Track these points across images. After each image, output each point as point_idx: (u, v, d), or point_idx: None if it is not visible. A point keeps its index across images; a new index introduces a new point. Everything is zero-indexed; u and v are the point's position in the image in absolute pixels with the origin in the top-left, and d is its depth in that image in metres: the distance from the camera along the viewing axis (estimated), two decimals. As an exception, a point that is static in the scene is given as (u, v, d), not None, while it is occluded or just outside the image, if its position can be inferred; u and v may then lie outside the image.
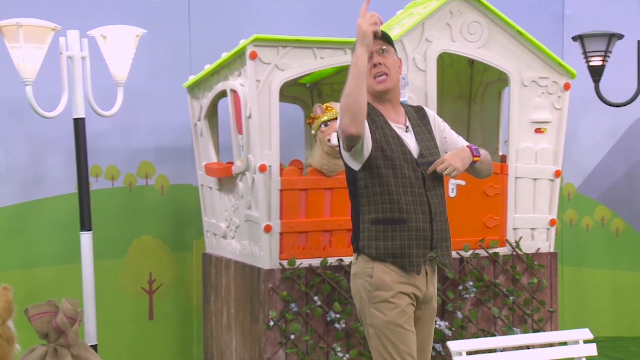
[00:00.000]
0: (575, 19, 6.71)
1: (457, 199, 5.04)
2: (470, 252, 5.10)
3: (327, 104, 4.82)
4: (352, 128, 3.52)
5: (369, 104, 3.70)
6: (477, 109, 5.84)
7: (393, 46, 3.75)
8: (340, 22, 6.27)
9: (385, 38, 3.71)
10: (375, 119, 3.72)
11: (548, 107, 5.24)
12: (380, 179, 3.65)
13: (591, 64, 5.76)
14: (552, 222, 5.28)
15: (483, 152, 3.83)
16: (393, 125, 3.73)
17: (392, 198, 3.63)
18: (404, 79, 4.81)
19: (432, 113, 3.93)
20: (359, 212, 3.73)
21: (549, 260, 5.27)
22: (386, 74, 3.69)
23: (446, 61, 5.72)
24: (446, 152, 3.84)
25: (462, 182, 4.96)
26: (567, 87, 5.30)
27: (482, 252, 5.13)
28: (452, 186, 5.02)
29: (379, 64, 3.67)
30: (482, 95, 5.76)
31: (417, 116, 3.84)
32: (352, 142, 3.59)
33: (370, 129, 3.67)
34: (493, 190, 5.14)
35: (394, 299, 3.65)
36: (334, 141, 4.68)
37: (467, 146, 3.78)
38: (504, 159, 5.44)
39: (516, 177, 5.17)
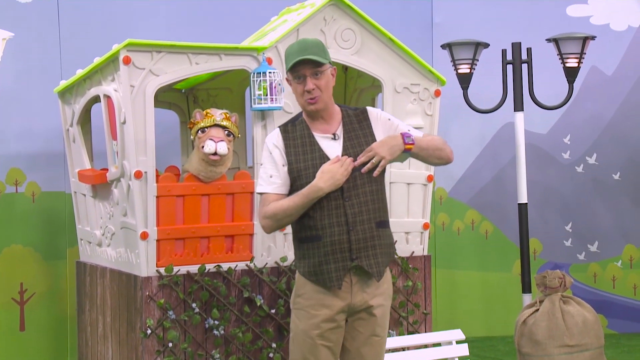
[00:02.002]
0: (444, 27, 6.88)
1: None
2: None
3: (207, 110, 4.79)
4: (269, 232, 3.64)
5: (300, 117, 3.67)
6: (352, 115, 5.89)
7: (327, 58, 3.63)
8: (216, 27, 6.27)
9: (318, 54, 3.58)
10: (298, 137, 3.64)
11: (420, 113, 5.35)
12: None
13: (459, 71, 5.91)
14: (425, 226, 5.39)
15: (425, 139, 3.65)
16: (318, 136, 3.64)
17: (310, 215, 3.59)
18: (279, 85, 4.83)
19: (376, 113, 3.77)
20: (292, 231, 3.72)
21: (422, 263, 5.38)
22: (317, 96, 3.60)
23: (321, 68, 5.76)
24: None
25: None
26: (437, 93, 5.42)
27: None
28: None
29: (312, 89, 3.59)
30: (357, 101, 5.83)
31: (356, 120, 3.71)
32: None
33: (287, 152, 3.62)
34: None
35: (311, 309, 3.62)
36: (208, 149, 4.64)
37: (401, 133, 3.62)
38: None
39: (390, 182, 5.25)
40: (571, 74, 5.89)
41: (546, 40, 5.95)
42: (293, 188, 3.60)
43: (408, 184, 5.33)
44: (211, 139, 4.67)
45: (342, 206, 3.59)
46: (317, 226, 3.59)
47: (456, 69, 5.92)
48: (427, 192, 5.39)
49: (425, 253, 5.42)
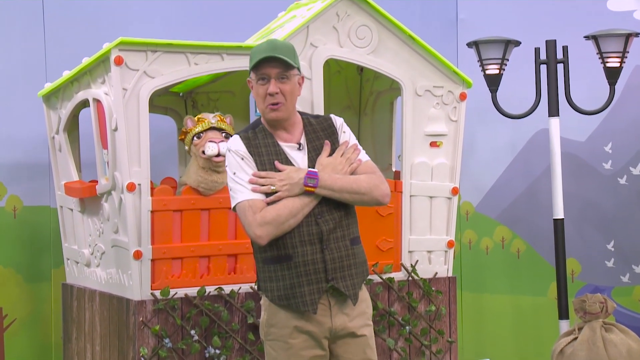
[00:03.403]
0: (470, 24, 6.90)
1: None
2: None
3: (199, 116, 4.85)
4: (266, 241, 3.58)
5: (260, 124, 3.73)
6: (368, 121, 5.94)
7: (297, 63, 3.70)
8: (218, 24, 6.30)
9: (288, 56, 3.65)
10: (262, 145, 3.70)
11: (444, 119, 5.38)
12: None
13: (487, 72, 5.93)
14: (450, 244, 5.41)
15: (340, 181, 3.63)
16: (283, 145, 3.72)
17: None
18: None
19: (340, 122, 3.85)
20: (255, 251, 3.75)
21: (447, 286, 5.39)
22: (280, 103, 3.66)
23: (333, 68, 5.81)
24: None
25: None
26: (463, 97, 5.45)
27: (376, 278, 5.21)
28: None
29: (275, 93, 3.64)
30: (373, 105, 5.86)
31: (319, 128, 3.79)
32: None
33: (255, 160, 3.68)
34: (386, 210, 5.23)
35: (288, 338, 3.65)
36: (210, 151, 4.70)
37: (307, 170, 3.64)
38: (397, 175, 5.55)
39: (411, 195, 5.28)
40: (612, 74, 5.92)
41: (584, 37, 5.98)
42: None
43: (430, 197, 5.35)
44: (211, 141, 4.72)
45: (314, 222, 3.62)
46: (287, 244, 3.61)
47: (484, 70, 5.95)
48: (452, 206, 5.41)
49: (450, 274, 5.44)
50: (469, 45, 6.01)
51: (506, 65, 5.95)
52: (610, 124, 6.90)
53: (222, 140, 4.74)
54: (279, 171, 3.65)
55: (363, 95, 5.94)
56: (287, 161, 3.69)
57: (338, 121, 3.84)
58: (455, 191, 5.41)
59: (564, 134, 6.19)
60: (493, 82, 5.96)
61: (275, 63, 3.64)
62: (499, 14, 6.87)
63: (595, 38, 5.90)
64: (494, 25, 6.59)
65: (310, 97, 5.04)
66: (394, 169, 5.77)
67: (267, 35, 5.38)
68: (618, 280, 6.94)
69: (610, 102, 6.00)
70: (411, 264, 5.32)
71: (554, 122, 5.92)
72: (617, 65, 5.89)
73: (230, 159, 3.70)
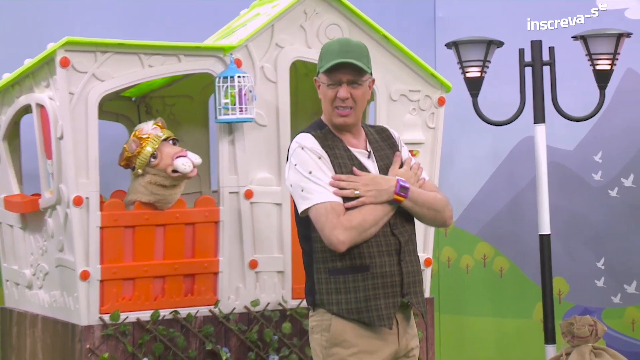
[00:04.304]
0: (449, 23, 6.92)
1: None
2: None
3: (138, 134, 4.80)
4: (346, 247, 3.59)
5: (325, 126, 3.76)
6: (338, 128, 5.92)
7: (370, 66, 3.75)
8: (174, 22, 6.27)
9: (362, 61, 3.70)
10: (334, 147, 3.74)
11: (420, 126, 5.38)
12: None
13: (468, 75, 5.94)
14: (427, 263, 5.41)
15: (423, 195, 3.77)
16: (354, 151, 3.76)
17: None
18: (250, 91, 4.85)
19: (397, 135, 3.96)
20: (313, 260, 3.73)
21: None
22: (351, 108, 3.72)
23: (301, 71, 5.80)
24: None
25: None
26: (441, 102, 5.46)
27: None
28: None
29: (346, 99, 3.69)
30: (344, 111, 5.84)
31: (379, 138, 3.87)
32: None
33: (332, 161, 3.70)
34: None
35: (353, 358, 3.65)
36: (185, 168, 4.70)
37: (397, 179, 3.74)
38: (370, 187, 5.53)
39: (385, 209, 5.27)
40: (603, 78, 5.94)
41: (572, 37, 6.00)
42: None
43: (406, 211, 5.34)
44: (179, 156, 4.72)
45: (390, 233, 3.69)
46: (364, 254, 3.65)
47: (464, 73, 5.96)
48: (430, 221, 5.40)
49: (428, 295, 5.43)
50: (448, 45, 6.01)
51: (488, 67, 5.95)
52: (601, 131, 6.93)
53: (183, 153, 4.73)
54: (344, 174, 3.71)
55: (333, 100, 5.92)
56: (361, 167, 3.74)
57: (395, 134, 3.96)
58: (433, 205, 5.39)
59: (550, 142, 6.20)
60: (474, 86, 5.96)
61: (349, 68, 3.69)
62: (481, 12, 6.90)
63: (584, 38, 5.92)
64: (475, 25, 6.62)
65: (276, 102, 5.04)
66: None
67: (228, 35, 5.36)
68: (609, 301, 6.96)
69: (600, 107, 6.02)
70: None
71: (540, 129, 5.93)
72: (608, 67, 5.91)
73: (305, 157, 3.68)
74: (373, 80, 3.81)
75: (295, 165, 3.69)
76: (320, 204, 3.62)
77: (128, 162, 4.83)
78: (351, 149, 3.76)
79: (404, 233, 3.74)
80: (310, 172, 3.66)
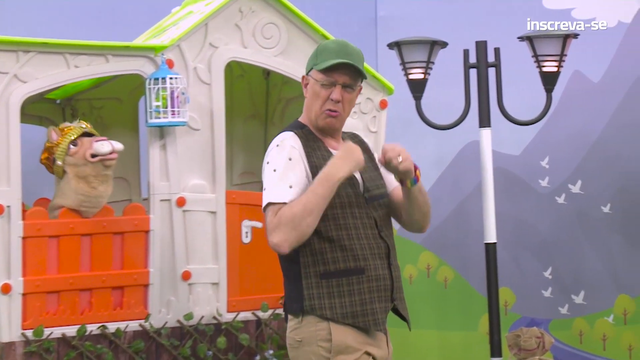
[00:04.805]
0: (391, 22, 6.93)
1: (253, 246, 5.08)
2: (270, 312, 5.14)
3: (62, 126, 4.81)
4: (289, 249, 3.56)
5: (305, 127, 3.75)
6: (276, 132, 5.81)
7: (364, 76, 3.77)
8: (103, 21, 6.22)
9: (360, 65, 3.73)
10: (316, 147, 3.74)
11: (362, 130, 5.38)
12: (328, 223, 3.64)
13: (411, 77, 5.95)
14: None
15: (424, 189, 3.89)
16: (335, 153, 3.74)
17: (343, 244, 3.65)
18: (183, 94, 4.82)
19: (366, 140, 4.00)
20: (300, 265, 3.68)
21: (365, 320, 5.38)
22: (339, 111, 3.73)
23: (236, 72, 5.79)
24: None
25: (258, 224, 5.00)
26: (383, 105, 5.47)
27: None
28: (245, 229, 5.05)
29: (338, 101, 3.70)
30: (282, 114, 5.85)
31: (354, 142, 3.85)
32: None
33: (310, 162, 3.68)
34: (297, 234, 5.20)
35: None
36: (104, 148, 4.69)
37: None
38: (309, 194, 5.53)
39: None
40: (549, 80, 5.99)
41: (518, 38, 6.05)
42: (323, 213, 3.61)
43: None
44: (97, 141, 4.72)
45: (378, 236, 3.73)
46: (358, 256, 3.66)
47: (407, 74, 5.97)
48: (371, 229, 5.41)
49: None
50: (390, 46, 6.02)
51: (432, 69, 5.97)
52: (547, 135, 7.00)
53: (103, 138, 4.75)
54: (344, 182, 3.68)
55: (270, 102, 5.93)
56: None
57: (365, 140, 3.99)
58: (374, 212, 5.40)
59: (496, 146, 6.24)
60: (417, 88, 5.97)
61: (347, 70, 3.70)
62: (424, 12, 6.93)
63: (530, 39, 5.96)
64: (419, 24, 6.64)
65: (210, 104, 5.01)
66: (305, 187, 5.74)
67: (159, 34, 5.33)
68: (556, 312, 7.03)
69: (547, 111, 6.07)
70: (325, 296, 5.29)
71: (485, 133, 5.96)
72: (555, 69, 5.96)
73: (276, 155, 3.67)
74: (361, 88, 3.83)
75: (268, 162, 3.71)
76: (268, 206, 3.61)
77: (49, 154, 4.80)
78: (332, 150, 3.77)
79: (389, 237, 3.79)
80: (274, 171, 3.66)
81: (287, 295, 3.77)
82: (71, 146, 4.75)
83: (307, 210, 3.54)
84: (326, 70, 3.69)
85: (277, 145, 3.70)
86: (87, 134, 4.82)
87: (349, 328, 3.67)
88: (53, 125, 4.90)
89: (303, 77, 3.81)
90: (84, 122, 4.86)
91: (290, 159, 3.66)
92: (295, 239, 3.56)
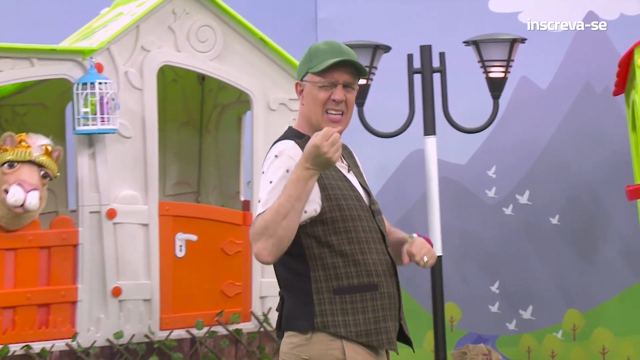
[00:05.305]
0: (331, 24, 6.95)
1: (187, 260, 5.07)
2: (205, 329, 5.13)
3: (23, 137, 4.73)
4: (271, 257, 3.51)
5: (304, 136, 3.67)
6: (211, 140, 5.92)
7: (364, 73, 3.76)
8: (27, 22, 6.17)
9: (360, 69, 3.71)
10: None
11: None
12: (339, 236, 3.62)
13: (353, 82, 5.97)
14: (309, 287, 5.41)
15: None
16: (337, 164, 3.70)
17: (357, 259, 3.61)
18: (113, 99, 4.80)
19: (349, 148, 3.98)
20: (311, 279, 3.64)
21: (305, 337, 5.39)
22: (342, 113, 3.68)
23: (169, 77, 5.78)
24: None
25: (193, 237, 4.98)
26: (324, 112, 5.47)
27: (221, 330, 5.18)
28: (179, 243, 5.03)
29: (341, 101, 3.65)
30: (217, 121, 5.84)
31: (346, 153, 3.86)
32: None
33: (320, 183, 3.62)
34: (234, 248, 5.23)
35: None
36: (13, 199, 4.60)
37: (419, 235, 3.85)
38: (247, 205, 5.54)
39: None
40: (496, 86, 6.03)
41: (463, 42, 6.08)
42: (335, 226, 3.61)
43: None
44: (19, 185, 4.61)
45: (387, 252, 3.72)
46: (371, 272, 3.64)
47: (348, 80, 5.98)
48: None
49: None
50: (331, 50, 6.03)
51: (374, 74, 5.99)
52: (494, 143, 7.04)
53: (35, 188, 4.65)
54: (350, 193, 3.69)
55: (205, 109, 5.93)
56: (344, 180, 3.71)
57: (353, 151, 3.98)
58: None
59: (441, 155, 6.27)
60: (360, 95, 5.96)
61: (348, 69, 3.67)
62: (367, 14, 6.94)
63: (476, 44, 6.00)
64: (361, 27, 6.64)
65: (141, 111, 5.00)
66: (242, 198, 5.75)
67: (87, 37, 5.29)
68: (503, 328, 7.07)
69: (494, 118, 6.11)
70: (263, 313, 5.32)
71: (430, 141, 5.99)
72: (501, 75, 6.00)
73: (273, 166, 3.62)
74: (357, 89, 3.80)
75: (264, 173, 3.67)
76: (257, 218, 3.59)
77: None
78: None
79: (391, 253, 3.78)
80: (270, 182, 3.61)
81: (291, 310, 3.71)
82: (5, 166, 4.67)
83: (280, 215, 3.50)
84: (325, 71, 3.65)
85: (276, 156, 3.64)
86: (34, 164, 4.70)
87: (361, 347, 3.65)
88: (10, 132, 4.81)
89: (297, 84, 3.75)
90: (46, 147, 4.78)
91: (287, 171, 3.61)
92: (274, 245, 3.52)
